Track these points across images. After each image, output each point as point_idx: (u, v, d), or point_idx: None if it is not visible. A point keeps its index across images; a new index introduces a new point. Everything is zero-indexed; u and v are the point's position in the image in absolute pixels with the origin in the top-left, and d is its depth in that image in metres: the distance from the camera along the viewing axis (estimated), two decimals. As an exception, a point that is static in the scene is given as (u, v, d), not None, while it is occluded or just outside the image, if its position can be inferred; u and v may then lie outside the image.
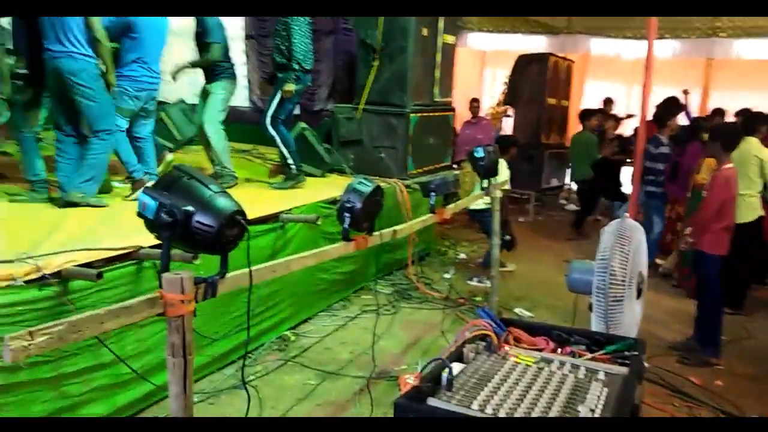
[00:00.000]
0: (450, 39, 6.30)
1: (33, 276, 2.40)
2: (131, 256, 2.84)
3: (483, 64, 11.30)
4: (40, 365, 2.45)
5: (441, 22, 6.03)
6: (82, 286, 2.57)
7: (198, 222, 1.84)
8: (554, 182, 9.35)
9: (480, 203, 5.19)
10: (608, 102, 9.15)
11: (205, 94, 5.03)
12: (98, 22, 3.79)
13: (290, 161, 5.01)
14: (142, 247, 2.83)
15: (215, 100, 4.98)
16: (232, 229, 1.89)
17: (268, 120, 4.95)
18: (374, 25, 5.62)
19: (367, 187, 2.83)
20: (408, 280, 5.32)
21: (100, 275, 2.53)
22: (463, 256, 6.39)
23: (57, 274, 2.47)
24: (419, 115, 5.88)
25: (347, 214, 2.78)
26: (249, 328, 2.53)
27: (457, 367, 1.86)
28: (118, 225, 3.31)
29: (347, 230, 2.82)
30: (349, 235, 2.82)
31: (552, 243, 7.05)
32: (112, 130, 4.02)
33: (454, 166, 7.40)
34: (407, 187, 5.49)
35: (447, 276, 5.63)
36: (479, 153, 4.59)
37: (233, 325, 3.50)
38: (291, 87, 4.85)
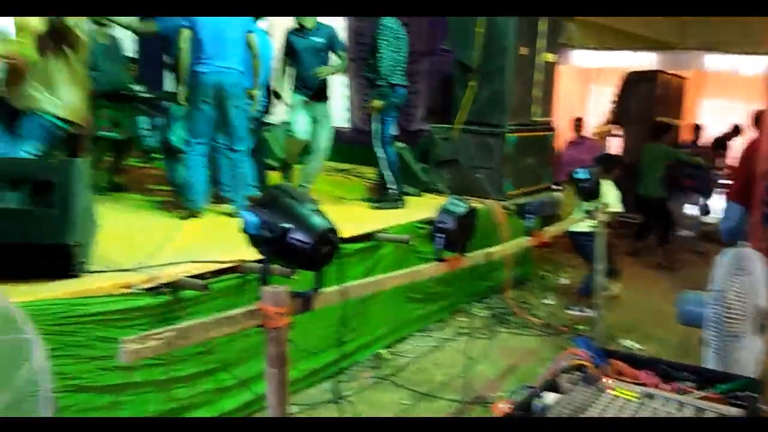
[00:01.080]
0: (551, 57, 6.17)
1: (149, 285, 2.59)
2: (236, 269, 3.00)
3: (588, 82, 10.94)
4: (153, 368, 2.63)
5: (541, 41, 5.93)
6: (190, 296, 2.74)
7: (294, 238, 1.91)
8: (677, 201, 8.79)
9: (582, 225, 4.99)
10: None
11: (322, 114, 5.14)
12: (256, 42, 4.04)
13: (391, 185, 5.06)
14: (245, 261, 2.98)
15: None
16: (326, 246, 1.95)
17: (376, 140, 5.05)
18: (471, 45, 5.62)
19: (460, 208, 2.82)
20: (505, 304, 5.20)
21: (206, 286, 2.68)
22: (565, 281, 6.15)
23: (169, 284, 2.66)
24: (517, 135, 5.79)
25: (440, 235, 2.78)
26: (342, 343, 2.58)
27: (550, 396, 1.79)
28: (226, 239, 3.50)
29: (440, 251, 2.82)
30: (441, 256, 2.82)
31: (664, 270, 6.63)
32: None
33: (555, 187, 7.20)
34: (504, 208, 5.40)
35: (547, 302, 5.45)
36: (581, 174, 4.43)
37: (329, 341, 3.58)
38: (377, 104, 4.93)
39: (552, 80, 6.36)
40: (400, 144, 5.90)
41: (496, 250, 3.38)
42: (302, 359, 3.41)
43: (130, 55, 5.93)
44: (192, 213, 4.14)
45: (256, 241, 1.97)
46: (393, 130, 5.23)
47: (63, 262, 2.44)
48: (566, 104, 9.48)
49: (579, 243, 5.51)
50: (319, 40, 4.94)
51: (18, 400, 1.59)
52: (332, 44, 4.99)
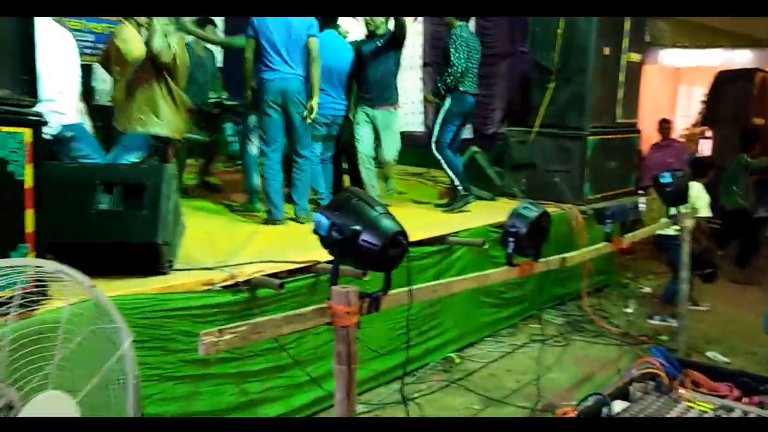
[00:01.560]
0: (635, 57, 5.94)
1: (228, 282, 2.73)
2: (310, 269, 3.09)
3: (677, 81, 10.41)
4: (229, 361, 2.76)
5: (625, 41, 5.72)
6: (266, 294, 2.86)
7: (364, 240, 1.96)
8: (762, 212, 8.22)
9: (670, 229, 4.77)
10: None
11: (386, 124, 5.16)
12: (317, 46, 4.18)
13: (457, 183, 5.06)
14: (319, 262, 3.07)
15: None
16: (395, 248, 1.99)
17: (433, 144, 5.07)
18: (551, 46, 5.50)
19: (532, 212, 2.78)
20: (582, 312, 5.05)
21: (281, 285, 2.79)
22: (647, 289, 5.89)
23: (247, 282, 2.79)
24: (598, 137, 5.61)
25: (511, 239, 2.75)
26: (408, 345, 2.61)
27: (619, 405, 1.74)
28: (303, 240, 3.61)
29: (511, 255, 2.79)
30: (512, 261, 2.79)
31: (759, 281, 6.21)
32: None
33: (640, 191, 6.91)
34: (583, 213, 5.24)
35: (627, 311, 5.23)
36: (665, 178, 4.25)
37: (399, 342, 3.62)
38: (429, 97, 4.93)
39: (637, 80, 6.12)
40: (474, 148, 5.86)
41: (572, 256, 3.31)
42: (372, 359, 3.46)
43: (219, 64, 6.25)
44: (273, 221, 4.25)
45: (327, 242, 2.04)
46: (465, 133, 5.20)
47: (152, 259, 2.62)
48: (653, 105, 9.07)
49: (665, 246, 5.26)
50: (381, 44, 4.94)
51: (106, 384, 1.73)
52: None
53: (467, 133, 5.98)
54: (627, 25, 5.71)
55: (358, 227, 1.97)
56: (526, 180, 5.74)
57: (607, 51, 5.55)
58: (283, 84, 4.16)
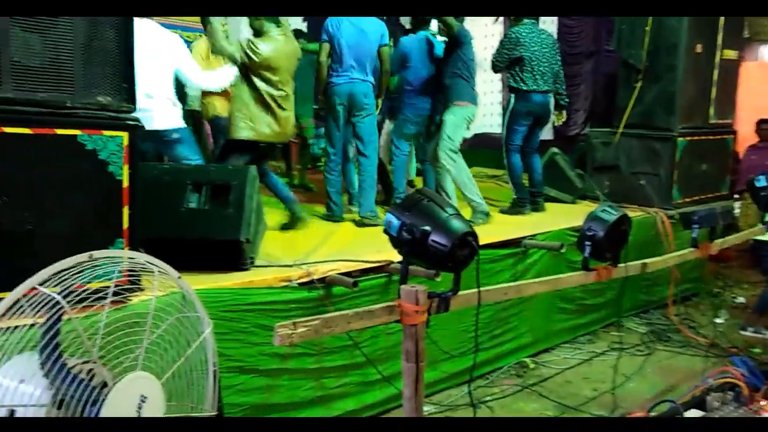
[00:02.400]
0: (731, 54, 5.61)
1: (304, 279, 2.84)
2: (383, 268, 3.16)
3: (781, 79, 9.69)
4: (306, 357, 2.87)
5: (719, 37, 5.41)
6: (341, 292, 2.94)
7: (433, 241, 1.99)
8: None
9: (767, 235, 4.47)
10: None
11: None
12: (387, 56, 4.30)
13: (513, 190, 5.01)
14: (392, 262, 3.13)
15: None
16: (464, 249, 2.01)
17: (503, 146, 5.04)
18: (639, 44, 5.30)
19: (611, 215, 2.70)
20: (668, 321, 4.83)
21: (355, 284, 2.87)
22: (741, 300, 5.54)
23: (322, 280, 2.89)
24: (689, 138, 5.34)
25: (588, 243, 2.69)
26: (477, 348, 2.61)
27: (694, 414, 1.67)
28: (377, 239, 3.69)
29: (587, 260, 2.73)
30: (589, 265, 2.73)
31: None
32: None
33: (735, 195, 6.51)
34: (670, 218, 5.01)
35: (718, 321, 4.95)
36: (761, 182, 4.01)
37: (471, 344, 3.61)
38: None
39: (734, 79, 5.78)
40: (554, 149, 5.73)
41: (653, 261, 3.19)
42: (444, 361, 3.48)
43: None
44: (333, 218, 4.41)
45: (397, 242, 2.09)
46: (546, 135, 5.14)
47: (235, 256, 2.77)
48: (754, 105, 8.49)
49: (761, 253, 4.94)
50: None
51: (189, 368, 1.87)
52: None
53: (548, 134, 5.87)
54: (721, 21, 5.41)
55: (427, 228, 2.00)
56: (610, 183, 5.55)
57: (699, 48, 5.27)
58: (350, 87, 4.30)
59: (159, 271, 1.84)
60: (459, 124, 4.65)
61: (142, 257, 1.83)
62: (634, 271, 2.98)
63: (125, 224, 2.24)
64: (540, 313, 4.09)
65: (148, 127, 3.31)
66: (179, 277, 1.93)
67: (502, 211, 5.02)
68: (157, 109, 3.57)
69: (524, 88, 4.90)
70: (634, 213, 4.91)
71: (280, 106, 3.85)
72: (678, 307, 4.94)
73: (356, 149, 4.57)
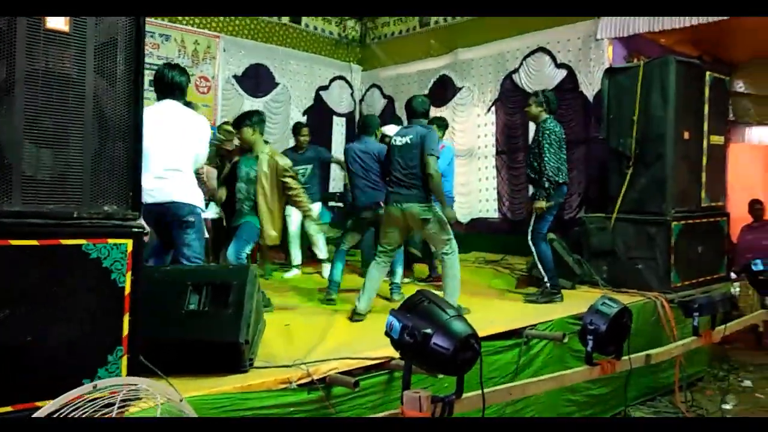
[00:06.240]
0: (717, 140, 5.80)
1: (304, 380, 2.78)
2: (384, 366, 3.11)
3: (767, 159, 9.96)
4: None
5: (705, 124, 5.62)
6: (342, 392, 2.88)
7: (435, 344, 1.99)
8: None
9: None
10: None
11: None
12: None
13: (545, 279, 4.94)
14: (393, 358, 3.08)
15: None
16: (466, 352, 2.00)
17: (529, 234, 5.02)
18: (627, 133, 5.47)
19: (611, 309, 2.72)
20: (675, 408, 4.71)
21: (356, 384, 2.82)
22: (747, 383, 5.43)
23: (323, 380, 2.84)
24: (683, 222, 5.42)
25: (590, 337, 2.69)
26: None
27: None
28: (378, 333, 3.66)
29: (590, 354, 2.71)
30: (592, 359, 2.71)
31: None
32: None
33: (733, 275, 6.53)
34: (671, 302, 5.00)
35: (726, 407, 4.83)
36: (758, 266, 4.05)
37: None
38: (541, 204, 4.87)
39: (722, 162, 5.96)
40: (551, 235, 5.79)
41: (657, 353, 3.18)
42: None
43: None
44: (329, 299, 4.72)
45: (399, 345, 2.09)
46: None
47: (234, 358, 2.72)
48: (743, 185, 8.67)
49: None
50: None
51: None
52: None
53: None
54: (706, 108, 5.63)
55: (429, 330, 2.01)
56: (607, 268, 5.57)
57: (686, 135, 5.46)
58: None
59: (161, 395, 1.80)
60: None
61: (143, 383, 1.80)
62: (638, 364, 2.96)
63: (125, 331, 2.23)
64: (547, 408, 3.99)
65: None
66: (182, 400, 1.89)
67: (531, 300, 4.91)
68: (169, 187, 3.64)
69: (561, 180, 4.96)
70: (634, 298, 4.90)
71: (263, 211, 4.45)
72: (684, 393, 4.83)
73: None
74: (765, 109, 8.81)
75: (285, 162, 4.45)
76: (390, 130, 5.66)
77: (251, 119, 4.51)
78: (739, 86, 8.76)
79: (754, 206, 7.44)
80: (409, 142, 4.39)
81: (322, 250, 6.24)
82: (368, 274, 4.44)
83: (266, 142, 4.71)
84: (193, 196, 3.68)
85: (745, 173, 8.85)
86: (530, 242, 4.99)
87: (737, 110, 8.75)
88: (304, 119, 9.07)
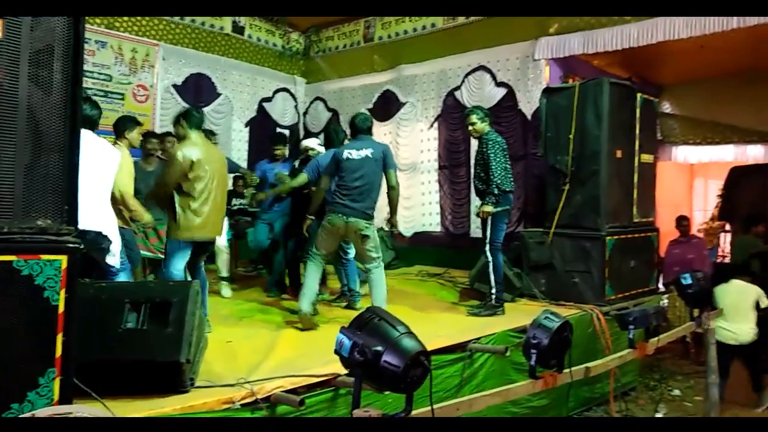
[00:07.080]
0: (648, 158, 6.09)
1: (248, 400, 2.71)
2: (329, 383, 3.07)
3: (692, 176, 10.56)
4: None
5: (636, 144, 5.89)
6: (286, 411, 2.82)
7: (386, 362, 1.98)
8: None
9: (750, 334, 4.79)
10: None
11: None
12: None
13: (494, 291, 4.99)
14: (339, 375, 3.05)
15: None
16: (416, 369, 2.00)
17: (486, 246, 5.02)
18: (564, 151, 5.66)
19: (553, 323, 2.78)
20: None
21: (302, 402, 2.76)
22: (677, 392, 5.69)
23: (267, 399, 2.77)
24: (616, 237, 5.64)
25: (533, 351, 2.74)
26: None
27: None
28: (323, 348, 3.60)
29: (534, 367, 2.76)
30: (536, 373, 2.76)
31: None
32: None
33: (661, 288, 6.84)
34: (605, 314, 5.18)
35: (658, 415, 5.04)
36: (687, 280, 4.25)
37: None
38: (488, 208, 4.93)
39: (651, 180, 6.24)
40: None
41: (595, 365, 3.27)
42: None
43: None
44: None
45: (349, 363, 2.06)
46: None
47: (174, 378, 2.62)
48: (670, 201, 9.14)
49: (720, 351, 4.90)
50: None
51: None
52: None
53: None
54: (637, 128, 5.91)
55: (380, 348, 1.99)
56: (546, 281, 5.72)
57: (619, 154, 5.70)
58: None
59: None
60: None
61: (81, 410, 1.71)
62: (578, 376, 3.04)
63: (58, 352, 2.10)
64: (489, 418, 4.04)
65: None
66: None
67: (474, 313, 4.95)
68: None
69: (506, 188, 5.03)
70: (571, 311, 5.05)
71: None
72: (619, 403, 5.01)
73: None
74: (690, 129, 9.35)
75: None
76: (311, 142, 5.66)
77: (177, 119, 4.29)
78: (666, 107, 9.26)
79: (681, 222, 7.85)
80: (369, 156, 4.49)
81: (222, 269, 5.84)
82: (306, 270, 4.61)
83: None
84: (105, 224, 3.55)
85: (671, 190, 9.35)
86: (487, 252, 5.00)
87: (664, 130, 9.25)
88: (246, 130, 8.95)
